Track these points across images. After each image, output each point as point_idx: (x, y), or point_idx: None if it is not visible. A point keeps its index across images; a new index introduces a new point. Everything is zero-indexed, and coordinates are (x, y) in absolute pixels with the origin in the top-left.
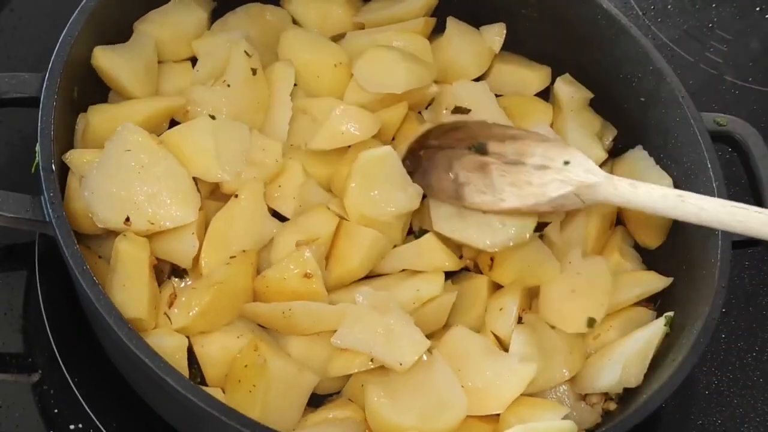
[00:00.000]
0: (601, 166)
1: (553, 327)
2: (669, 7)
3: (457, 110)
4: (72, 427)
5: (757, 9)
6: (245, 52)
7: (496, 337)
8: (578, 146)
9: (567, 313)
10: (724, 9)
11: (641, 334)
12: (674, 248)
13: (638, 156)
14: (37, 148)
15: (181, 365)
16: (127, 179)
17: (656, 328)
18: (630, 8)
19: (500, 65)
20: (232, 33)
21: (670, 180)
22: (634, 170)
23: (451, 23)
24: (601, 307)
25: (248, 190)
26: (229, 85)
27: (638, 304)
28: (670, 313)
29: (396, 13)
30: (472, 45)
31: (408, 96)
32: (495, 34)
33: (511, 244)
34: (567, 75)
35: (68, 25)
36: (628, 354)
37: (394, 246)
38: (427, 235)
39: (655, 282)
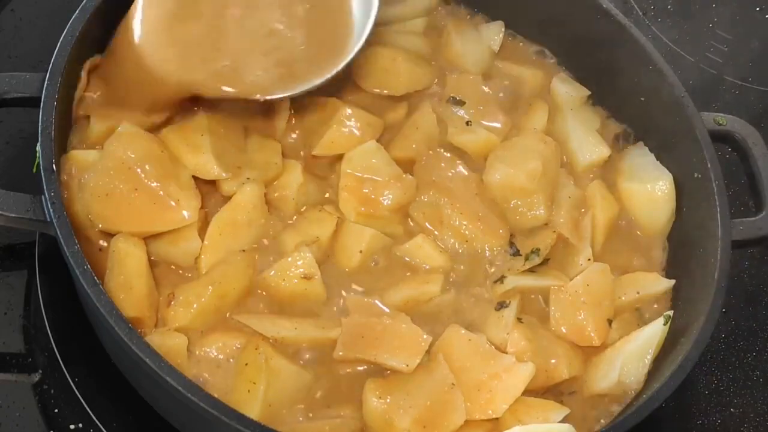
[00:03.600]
0: (603, 164)
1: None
2: (669, 7)
3: (452, 101)
4: (72, 427)
5: (757, 9)
6: None
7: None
8: (582, 144)
9: (581, 327)
10: (724, 9)
11: (640, 334)
12: (674, 248)
13: (638, 153)
14: (38, 147)
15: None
16: (127, 179)
17: (655, 328)
18: (630, 8)
19: (499, 64)
20: None
21: (670, 176)
22: (634, 166)
23: (451, 23)
24: (609, 317)
25: (248, 190)
26: None
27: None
28: (669, 313)
29: (396, 13)
30: (472, 45)
31: (408, 97)
32: (494, 33)
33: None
34: (562, 74)
35: (68, 25)
36: (626, 354)
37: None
38: (418, 237)
39: (657, 284)
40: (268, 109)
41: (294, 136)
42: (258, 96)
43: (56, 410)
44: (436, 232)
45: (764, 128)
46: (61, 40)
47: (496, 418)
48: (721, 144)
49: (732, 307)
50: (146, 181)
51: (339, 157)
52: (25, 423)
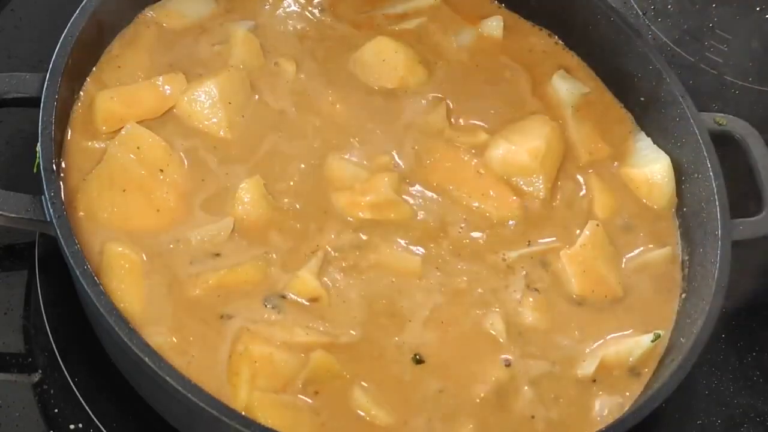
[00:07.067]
0: (603, 158)
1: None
2: (669, 7)
3: (451, 100)
4: (72, 427)
5: (757, 9)
6: (246, 41)
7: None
8: (580, 141)
9: (604, 279)
10: (724, 9)
11: (625, 341)
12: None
13: (636, 138)
14: (38, 147)
15: None
16: (130, 181)
17: (640, 341)
18: (630, 8)
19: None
20: (240, 23)
21: (667, 158)
22: (633, 151)
23: (451, 20)
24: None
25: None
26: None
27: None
28: (660, 332)
29: (398, 11)
30: (472, 42)
31: (406, 95)
32: (494, 28)
33: None
34: (562, 71)
35: (68, 25)
36: (605, 355)
37: None
38: None
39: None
40: None
41: None
42: None
43: (56, 410)
44: (462, 215)
45: (764, 128)
46: (61, 40)
47: None
48: (721, 144)
49: (732, 307)
50: (149, 183)
51: None
52: (25, 423)
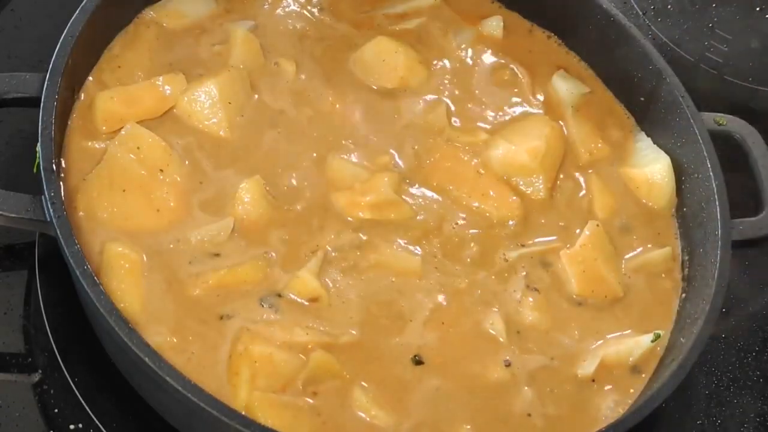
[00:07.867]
0: (603, 158)
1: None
2: (669, 7)
3: (450, 100)
4: (72, 427)
5: (757, 9)
6: (246, 41)
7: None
8: (580, 141)
9: (604, 280)
10: (724, 9)
11: (625, 341)
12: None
13: (636, 138)
14: (38, 147)
15: None
16: (130, 181)
17: (640, 342)
18: (630, 8)
19: (499, 60)
20: (240, 23)
21: (668, 158)
22: (632, 151)
23: (451, 20)
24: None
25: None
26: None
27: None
28: (660, 332)
29: (399, 11)
30: (471, 42)
31: (406, 95)
32: (494, 28)
33: None
34: (562, 71)
35: (68, 25)
36: (605, 355)
37: None
38: None
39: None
40: None
41: None
42: None
43: (56, 410)
44: (462, 215)
45: (764, 128)
46: (61, 40)
47: None
48: (721, 144)
49: (732, 307)
50: (149, 183)
51: None
52: (25, 423)
